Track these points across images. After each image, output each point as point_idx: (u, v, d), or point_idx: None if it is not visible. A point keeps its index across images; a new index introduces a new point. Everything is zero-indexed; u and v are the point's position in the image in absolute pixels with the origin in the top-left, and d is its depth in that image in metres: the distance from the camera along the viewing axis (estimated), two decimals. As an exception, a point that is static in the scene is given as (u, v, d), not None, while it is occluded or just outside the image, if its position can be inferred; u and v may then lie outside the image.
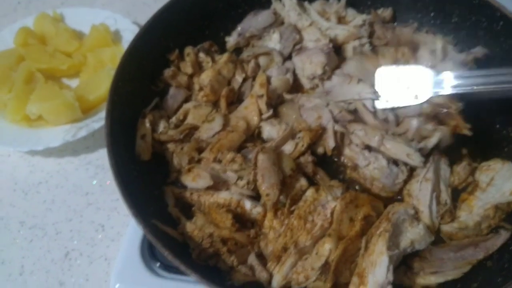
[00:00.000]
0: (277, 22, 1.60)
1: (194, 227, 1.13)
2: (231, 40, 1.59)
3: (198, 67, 1.50)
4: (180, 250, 1.08)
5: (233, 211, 1.17)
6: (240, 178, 1.21)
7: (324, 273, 1.06)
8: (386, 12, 1.59)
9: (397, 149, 1.25)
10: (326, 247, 1.07)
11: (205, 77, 1.42)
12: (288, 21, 1.58)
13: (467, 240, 1.14)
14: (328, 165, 1.33)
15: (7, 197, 1.55)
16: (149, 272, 1.26)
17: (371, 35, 1.53)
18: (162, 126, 1.36)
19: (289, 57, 1.51)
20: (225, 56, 1.47)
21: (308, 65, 1.43)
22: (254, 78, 1.46)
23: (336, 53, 1.48)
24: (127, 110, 1.30)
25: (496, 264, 1.10)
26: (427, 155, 1.26)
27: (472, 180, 1.25)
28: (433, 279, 1.10)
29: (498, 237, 1.12)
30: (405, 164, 1.26)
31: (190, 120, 1.38)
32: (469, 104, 1.25)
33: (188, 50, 1.49)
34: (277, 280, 1.08)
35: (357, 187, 1.30)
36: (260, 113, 1.36)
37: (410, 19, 1.58)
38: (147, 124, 1.32)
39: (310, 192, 1.18)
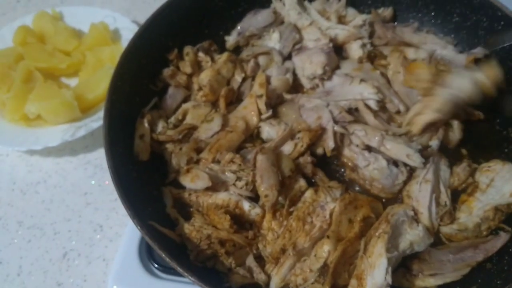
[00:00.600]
0: (277, 21, 1.59)
1: (192, 228, 1.12)
2: (231, 40, 1.58)
3: (197, 67, 1.49)
4: (178, 252, 1.08)
5: (231, 212, 1.16)
6: (238, 178, 1.20)
7: (323, 275, 1.05)
8: (386, 12, 1.58)
9: (397, 149, 1.25)
10: (325, 249, 1.06)
11: (204, 77, 1.41)
12: (288, 20, 1.57)
13: (467, 242, 1.14)
14: (327, 165, 1.33)
15: (5, 196, 1.54)
16: (147, 273, 1.26)
17: (371, 35, 1.52)
18: (160, 126, 1.35)
19: (289, 57, 1.50)
20: (224, 56, 1.47)
21: (308, 65, 1.42)
22: (253, 78, 1.45)
23: (337, 53, 1.47)
24: (125, 109, 1.30)
25: (496, 266, 1.10)
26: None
27: (472, 181, 1.24)
28: (432, 281, 1.10)
29: (498, 239, 1.11)
30: (405, 165, 1.26)
31: (189, 120, 1.37)
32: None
33: (187, 49, 1.49)
34: (275, 282, 1.08)
35: (357, 188, 1.30)
36: (260, 113, 1.35)
37: (410, 19, 1.57)
38: (146, 124, 1.32)
39: (309, 193, 1.18)
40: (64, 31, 1.82)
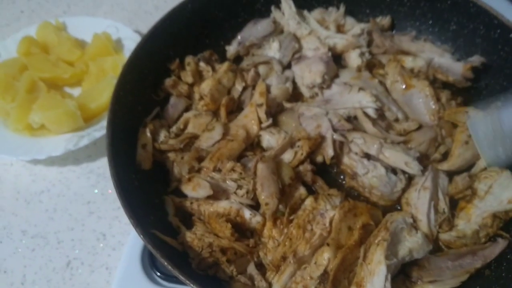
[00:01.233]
0: (277, 31, 1.61)
1: (194, 237, 1.14)
2: (231, 49, 1.60)
3: (199, 76, 1.51)
4: (179, 260, 1.09)
5: (232, 220, 1.17)
6: (239, 187, 1.22)
7: (323, 282, 1.06)
8: (384, 21, 1.60)
9: (396, 157, 1.26)
10: (325, 256, 1.07)
11: (205, 86, 1.43)
12: (288, 29, 1.59)
13: (465, 249, 1.14)
14: (327, 173, 1.34)
15: (9, 206, 1.56)
16: (150, 282, 1.27)
17: (369, 43, 1.54)
18: (162, 135, 1.37)
19: (288, 66, 1.52)
20: (225, 65, 1.48)
21: (308, 74, 1.44)
22: (254, 87, 1.47)
23: (335, 61, 1.49)
24: (128, 119, 1.32)
25: (494, 273, 1.11)
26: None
27: (471, 188, 1.25)
28: (432, 288, 1.11)
29: (496, 246, 1.12)
30: (404, 172, 1.27)
31: (190, 129, 1.39)
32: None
33: (189, 59, 1.51)
34: (276, 290, 1.09)
35: (355, 194, 1.31)
36: (260, 122, 1.36)
37: (408, 27, 1.59)
38: (148, 134, 1.34)
39: (309, 201, 1.19)
40: (67, 41, 1.84)
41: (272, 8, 1.64)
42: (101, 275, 1.39)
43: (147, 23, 1.46)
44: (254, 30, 1.59)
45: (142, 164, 1.29)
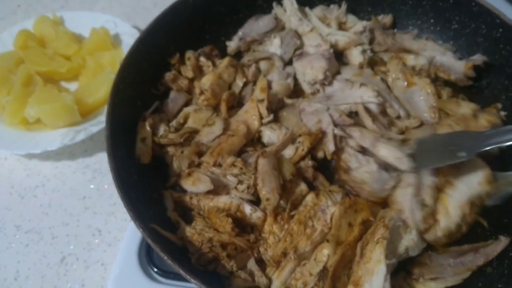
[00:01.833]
0: (278, 27, 1.61)
1: (194, 232, 1.12)
2: (232, 45, 1.59)
3: (199, 71, 1.50)
4: (179, 255, 1.08)
5: (233, 215, 1.16)
6: (240, 182, 1.20)
7: (322, 279, 1.05)
8: (386, 19, 1.60)
9: (388, 151, 1.24)
10: (324, 253, 1.06)
11: (206, 81, 1.41)
12: (289, 26, 1.59)
13: (467, 246, 1.14)
14: (327, 169, 1.33)
15: (3, 200, 1.53)
16: (147, 278, 1.26)
17: (371, 41, 1.54)
18: (162, 129, 1.35)
19: (290, 62, 1.51)
20: (225, 61, 1.47)
21: (309, 70, 1.43)
22: (254, 83, 1.46)
23: (337, 59, 1.48)
24: (127, 113, 1.30)
25: (496, 271, 1.10)
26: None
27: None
28: (433, 285, 1.10)
29: (498, 244, 1.12)
30: (396, 171, 1.25)
31: (190, 123, 1.37)
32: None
33: (189, 54, 1.49)
34: (276, 286, 1.08)
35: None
36: (261, 118, 1.35)
37: (410, 26, 1.59)
38: (148, 127, 1.32)
39: (310, 197, 1.18)
40: (64, 35, 1.83)
41: (274, 4, 1.63)
42: (96, 271, 1.37)
43: (145, 19, 1.45)
44: (256, 26, 1.59)
45: (141, 158, 1.28)
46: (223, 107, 1.39)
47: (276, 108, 1.42)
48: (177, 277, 1.23)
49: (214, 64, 1.49)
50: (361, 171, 1.24)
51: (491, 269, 1.11)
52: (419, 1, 1.52)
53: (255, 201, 1.20)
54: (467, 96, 1.41)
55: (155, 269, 1.26)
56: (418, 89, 1.36)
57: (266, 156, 1.20)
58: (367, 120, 1.32)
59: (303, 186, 1.22)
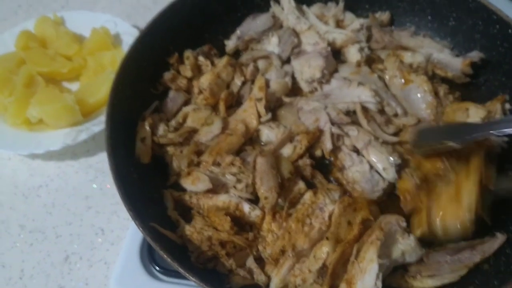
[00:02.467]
0: (276, 25, 1.61)
1: (193, 230, 1.14)
2: (230, 44, 1.60)
3: (198, 71, 1.50)
4: (179, 253, 1.09)
5: (231, 214, 1.17)
6: (238, 181, 1.22)
7: (321, 276, 1.06)
8: (383, 16, 1.60)
9: (377, 157, 1.25)
10: (324, 250, 1.07)
11: (205, 81, 1.42)
12: (287, 24, 1.59)
13: (464, 243, 1.14)
14: (325, 168, 1.34)
15: (7, 200, 1.55)
16: (149, 276, 1.27)
17: (368, 39, 1.54)
18: (161, 129, 1.36)
19: (288, 61, 1.52)
20: (224, 60, 1.48)
21: (307, 69, 1.44)
22: (253, 82, 1.47)
23: (335, 56, 1.49)
24: (127, 113, 1.31)
25: (493, 267, 1.10)
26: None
27: None
28: (430, 282, 1.10)
29: (495, 241, 1.12)
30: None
31: (189, 123, 1.39)
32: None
33: (188, 53, 1.50)
34: (275, 283, 1.09)
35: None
36: (259, 116, 1.36)
37: (407, 23, 1.59)
38: (147, 127, 1.33)
39: (308, 195, 1.19)
40: (65, 35, 1.84)
41: (272, 2, 1.63)
42: (100, 269, 1.39)
43: (146, 18, 1.45)
44: (253, 24, 1.59)
45: (141, 158, 1.29)
46: (221, 106, 1.40)
47: (274, 106, 1.43)
48: (179, 275, 1.25)
49: (212, 63, 1.50)
50: (353, 170, 1.25)
51: (488, 266, 1.11)
52: (416, -2, 1.53)
53: (254, 200, 1.21)
54: (464, 93, 1.42)
55: (157, 268, 1.28)
56: (415, 87, 1.37)
57: (264, 155, 1.22)
58: (363, 121, 1.33)
59: (301, 185, 1.23)
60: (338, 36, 1.51)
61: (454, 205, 1.12)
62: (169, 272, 1.27)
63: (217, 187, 1.22)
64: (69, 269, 1.40)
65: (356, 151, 1.29)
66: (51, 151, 1.54)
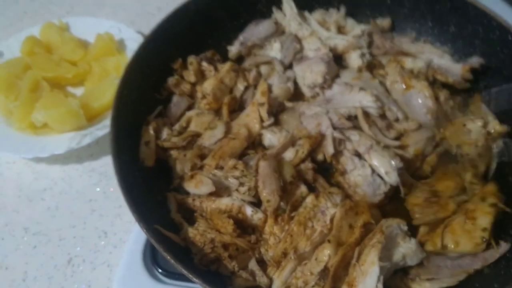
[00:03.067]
0: (278, 31, 1.63)
1: (196, 233, 1.15)
2: (233, 49, 1.62)
3: (201, 76, 1.52)
4: (182, 255, 1.10)
5: (234, 217, 1.18)
6: (241, 184, 1.23)
7: (323, 278, 1.07)
8: (384, 22, 1.61)
9: (379, 162, 1.26)
10: (325, 253, 1.08)
11: (208, 86, 1.44)
12: (289, 30, 1.61)
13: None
14: (327, 172, 1.35)
15: (11, 203, 1.56)
16: (152, 279, 1.28)
17: (370, 44, 1.56)
18: (165, 133, 1.38)
19: (290, 66, 1.54)
20: (227, 65, 1.50)
21: (309, 74, 1.46)
22: (255, 87, 1.48)
23: (336, 62, 1.50)
24: (131, 117, 1.33)
25: (493, 271, 1.11)
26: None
27: None
28: (428, 286, 1.11)
29: (498, 248, 1.11)
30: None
31: (192, 127, 1.40)
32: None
33: (191, 59, 1.52)
34: (276, 285, 1.10)
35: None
36: (262, 121, 1.38)
37: (408, 29, 1.61)
38: (151, 131, 1.35)
39: (310, 199, 1.20)
40: (70, 41, 1.86)
41: (274, 9, 1.65)
42: (103, 272, 1.40)
43: (150, 24, 1.47)
44: (256, 30, 1.61)
45: (145, 161, 1.31)
46: (224, 111, 1.41)
47: (276, 111, 1.44)
48: (181, 277, 1.26)
49: (216, 69, 1.52)
50: (355, 174, 1.26)
51: (488, 269, 1.12)
52: (417, 4, 1.54)
53: (256, 203, 1.22)
54: (465, 99, 1.43)
55: (160, 270, 1.29)
56: (416, 92, 1.38)
57: (266, 158, 1.23)
58: (365, 126, 1.34)
59: (303, 188, 1.24)
60: (340, 42, 1.52)
61: (469, 227, 1.13)
62: (172, 274, 1.28)
63: (220, 190, 1.23)
64: (72, 271, 1.40)
65: (358, 155, 1.30)
66: (56, 154, 1.55)
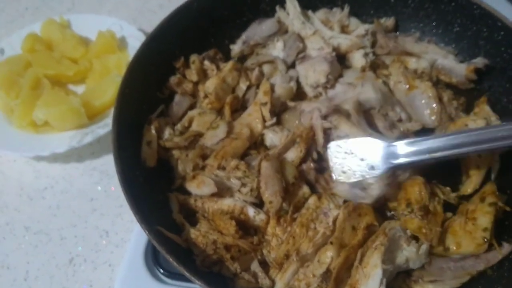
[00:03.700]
0: (281, 30, 1.62)
1: (198, 234, 1.14)
2: (236, 48, 1.61)
3: (203, 75, 1.51)
4: (184, 257, 1.10)
5: (236, 218, 1.18)
6: (243, 185, 1.22)
7: (325, 280, 1.07)
8: (388, 22, 1.60)
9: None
10: (328, 255, 1.08)
11: (210, 85, 1.43)
12: (292, 29, 1.60)
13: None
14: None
15: (12, 202, 1.56)
16: (153, 279, 1.28)
17: (373, 44, 1.55)
18: (167, 132, 1.37)
19: (292, 65, 1.53)
20: (229, 64, 1.49)
21: (312, 74, 1.45)
22: (258, 86, 1.47)
23: (340, 62, 1.49)
24: (133, 116, 1.32)
25: (496, 273, 1.11)
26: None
27: None
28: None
29: (501, 250, 1.11)
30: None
31: (195, 127, 1.39)
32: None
33: (194, 57, 1.51)
34: (279, 287, 1.10)
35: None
36: (264, 121, 1.37)
37: (412, 29, 1.60)
38: (153, 131, 1.34)
39: (312, 200, 1.20)
40: (71, 38, 1.85)
41: (277, 8, 1.64)
42: (104, 272, 1.39)
43: (151, 22, 1.47)
44: (259, 29, 1.60)
45: (147, 161, 1.30)
46: (226, 111, 1.40)
47: (279, 111, 1.43)
48: (183, 278, 1.24)
49: (218, 68, 1.51)
50: (338, 190, 1.24)
51: (491, 271, 1.12)
52: (421, 4, 1.53)
53: (258, 204, 1.22)
54: (468, 99, 1.42)
55: (161, 270, 1.29)
56: (419, 93, 1.37)
57: (269, 159, 1.22)
58: (354, 115, 1.32)
59: (305, 189, 1.24)
60: (343, 42, 1.52)
61: (470, 227, 1.13)
62: (173, 275, 1.28)
63: (222, 191, 1.23)
64: (74, 271, 1.40)
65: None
66: (57, 153, 1.55)
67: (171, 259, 1.01)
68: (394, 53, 1.51)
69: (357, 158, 1.14)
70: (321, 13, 1.64)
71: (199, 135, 1.37)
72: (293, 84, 1.47)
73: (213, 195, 1.22)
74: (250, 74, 1.50)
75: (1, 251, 1.45)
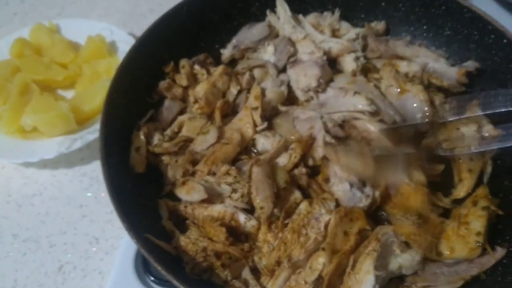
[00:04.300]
0: (272, 34, 1.61)
1: (188, 241, 1.13)
2: (226, 53, 1.60)
3: (193, 79, 1.50)
4: (173, 264, 1.09)
5: (227, 224, 1.17)
6: (234, 191, 1.21)
7: (317, 287, 1.06)
8: (379, 25, 1.60)
9: None
10: (320, 261, 1.07)
11: (200, 89, 1.42)
12: (283, 33, 1.59)
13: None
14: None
15: (0, 209, 1.54)
16: (143, 286, 1.26)
17: (364, 48, 1.55)
18: (156, 138, 1.36)
19: (283, 70, 1.52)
20: (220, 69, 1.48)
21: (303, 78, 1.44)
22: (249, 90, 1.46)
23: (331, 66, 1.49)
24: (121, 122, 1.31)
25: (490, 278, 1.10)
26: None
27: None
28: (425, 293, 1.10)
29: (494, 254, 1.11)
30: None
31: (184, 132, 1.38)
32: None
33: (183, 62, 1.50)
34: (270, 294, 1.08)
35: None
36: (255, 125, 1.36)
37: (403, 32, 1.60)
38: (142, 136, 1.33)
39: (304, 205, 1.18)
40: (60, 43, 1.83)
41: (268, 12, 1.63)
42: (94, 279, 1.37)
43: (142, 26, 1.45)
44: (249, 33, 1.60)
45: (136, 167, 1.28)
46: (217, 115, 1.39)
47: (270, 115, 1.42)
48: (173, 285, 1.23)
49: (208, 72, 1.50)
50: (335, 189, 1.24)
51: (485, 275, 1.11)
52: (412, 7, 1.53)
53: (250, 210, 1.21)
54: (461, 103, 1.41)
55: (152, 278, 1.27)
56: (411, 96, 1.37)
57: (260, 164, 1.21)
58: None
59: (297, 194, 1.23)
60: (334, 46, 1.51)
61: (463, 232, 1.13)
62: (164, 282, 1.26)
63: (212, 197, 1.21)
64: (63, 279, 1.38)
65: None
66: (45, 159, 1.53)
67: (160, 268, 0.99)
68: (385, 57, 1.51)
69: None
70: (312, 17, 1.63)
71: (189, 140, 1.36)
72: (284, 88, 1.47)
73: (203, 201, 1.21)
74: (240, 79, 1.49)
75: (-11, 259, 1.43)
